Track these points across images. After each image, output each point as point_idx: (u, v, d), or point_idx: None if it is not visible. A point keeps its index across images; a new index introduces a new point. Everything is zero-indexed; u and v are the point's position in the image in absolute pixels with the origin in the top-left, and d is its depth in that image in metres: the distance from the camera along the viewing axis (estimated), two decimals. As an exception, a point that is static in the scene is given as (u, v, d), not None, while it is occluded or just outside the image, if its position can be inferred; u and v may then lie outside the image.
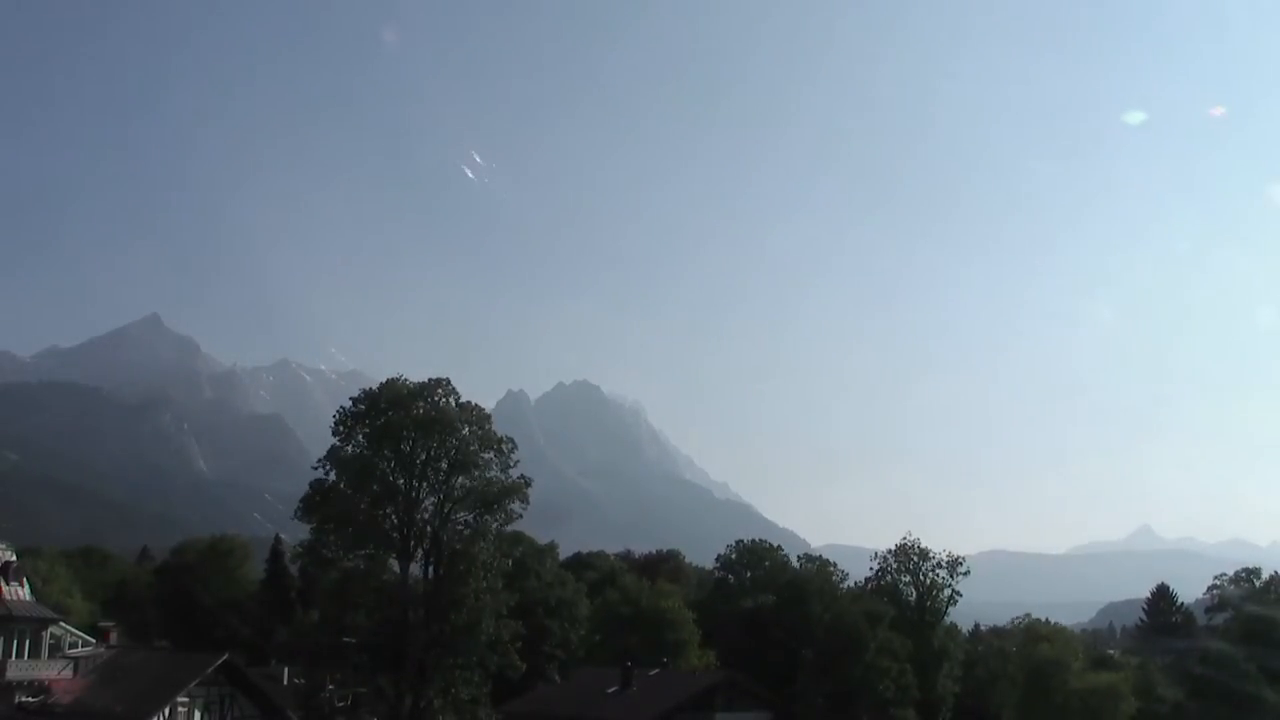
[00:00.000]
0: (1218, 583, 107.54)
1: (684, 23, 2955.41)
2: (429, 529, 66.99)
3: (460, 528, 67.67)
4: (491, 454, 67.93)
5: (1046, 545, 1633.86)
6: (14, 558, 62.56)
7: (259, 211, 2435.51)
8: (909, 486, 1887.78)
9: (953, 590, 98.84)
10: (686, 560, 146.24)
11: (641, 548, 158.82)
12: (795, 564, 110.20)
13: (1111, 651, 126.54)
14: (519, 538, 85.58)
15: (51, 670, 59.13)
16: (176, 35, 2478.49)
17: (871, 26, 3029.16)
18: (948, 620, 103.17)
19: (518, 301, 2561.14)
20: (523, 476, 69.08)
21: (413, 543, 66.81)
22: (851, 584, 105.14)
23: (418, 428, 66.59)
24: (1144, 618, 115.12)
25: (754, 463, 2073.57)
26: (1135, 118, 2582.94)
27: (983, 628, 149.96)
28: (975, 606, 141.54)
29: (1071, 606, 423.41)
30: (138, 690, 56.47)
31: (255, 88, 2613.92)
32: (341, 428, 68.19)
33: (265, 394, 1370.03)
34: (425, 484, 67.10)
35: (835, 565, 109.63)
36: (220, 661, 60.52)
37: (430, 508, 67.40)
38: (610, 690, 67.98)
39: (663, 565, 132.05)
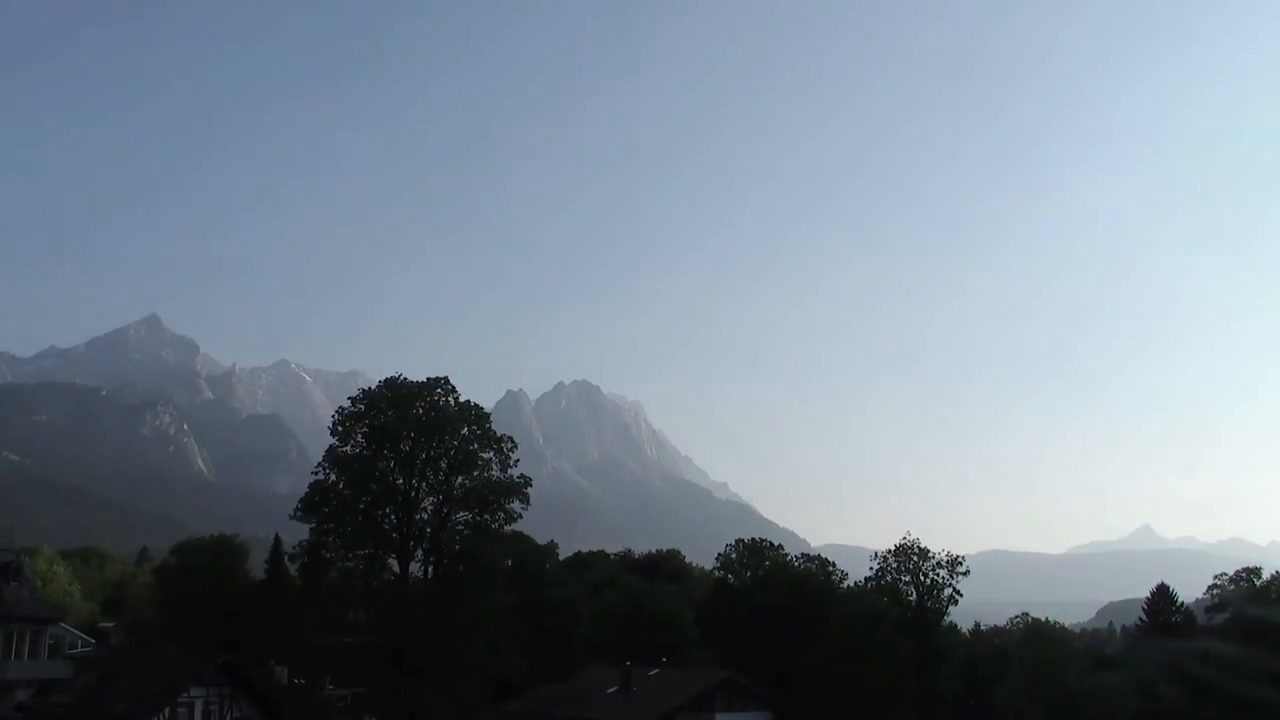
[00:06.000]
0: (1218, 583, 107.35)
1: (695, 21, 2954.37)
2: (428, 529, 66.89)
3: (460, 527, 67.55)
4: (491, 454, 67.78)
5: (1046, 545, 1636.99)
6: (14, 558, 62.54)
7: (258, 212, 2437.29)
8: (909, 486, 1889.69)
9: (953, 590, 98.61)
10: (686, 560, 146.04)
11: (641, 548, 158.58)
12: (795, 564, 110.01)
13: (1110, 651, 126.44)
14: (519, 538, 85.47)
15: (51, 670, 59.07)
16: (175, 35, 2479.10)
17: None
18: (948, 620, 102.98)
19: (518, 301, 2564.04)
20: (522, 476, 68.91)
21: (412, 543, 66.70)
22: (851, 584, 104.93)
23: (417, 428, 66.47)
24: (1144, 618, 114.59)
25: (754, 463, 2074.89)
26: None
27: (983, 628, 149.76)
28: (975, 606, 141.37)
29: (1071, 606, 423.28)
30: (138, 690, 56.32)
31: (255, 89, 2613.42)
32: (341, 428, 68.05)
33: (265, 394, 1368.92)
34: (425, 484, 66.96)
35: (835, 565, 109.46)
36: (220, 662, 60.42)
37: (430, 508, 67.27)
38: (610, 690, 67.83)
39: (663, 565, 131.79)
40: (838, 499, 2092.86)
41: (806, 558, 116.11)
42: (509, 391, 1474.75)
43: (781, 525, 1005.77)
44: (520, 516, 69.42)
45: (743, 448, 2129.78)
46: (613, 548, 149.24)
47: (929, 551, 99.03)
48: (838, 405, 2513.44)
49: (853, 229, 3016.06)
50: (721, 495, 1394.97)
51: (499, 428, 70.36)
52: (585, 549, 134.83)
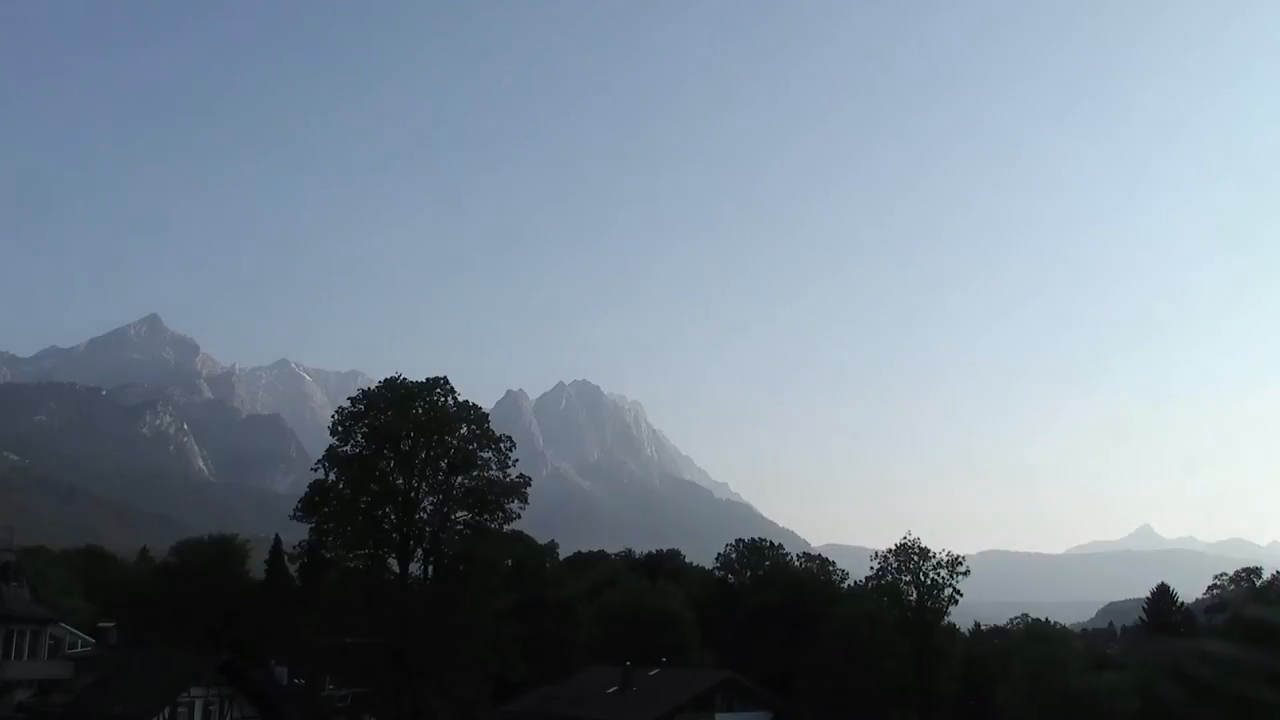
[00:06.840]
0: (1218, 583, 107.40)
1: (691, 14, 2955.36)
2: (428, 529, 66.87)
3: (459, 527, 67.54)
4: (490, 453, 67.69)
5: (1046, 545, 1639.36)
6: (14, 558, 62.48)
7: (259, 211, 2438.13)
8: (909, 486, 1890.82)
9: (953, 590, 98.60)
10: (686, 560, 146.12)
11: (641, 548, 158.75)
12: (795, 563, 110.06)
13: (1110, 651, 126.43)
14: (519, 538, 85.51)
15: (51, 670, 59.03)
16: (175, 35, 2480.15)
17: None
18: (948, 620, 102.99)
19: (518, 301, 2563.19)
20: (522, 476, 68.83)
21: (412, 543, 66.65)
22: (851, 584, 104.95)
23: (417, 428, 66.41)
24: (1144, 618, 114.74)
25: (754, 463, 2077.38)
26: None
27: (983, 628, 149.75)
28: (975, 606, 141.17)
29: (1071, 606, 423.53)
30: (138, 690, 56.31)
31: (255, 88, 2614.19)
32: (340, 428, 67.96)
33: (265, 394, 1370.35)
34: (424, 484, 66.89)
35: (835, 565, 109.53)
36: (220, 662, 60.43)
37: (429, 507, 67.21)
38: (610, 690, 67.89)
39: (663, 565, 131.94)
40: (838, 499, 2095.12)
41: (806, 558, 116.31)
42: (509, 391, 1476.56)
43: (781, 525, 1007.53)
44: (519, 516, 69.37)
45: (743, 447, 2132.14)
46: (613, 548, 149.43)
47: (929, 551, 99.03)
48: (838, 405, 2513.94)
49: (852, 225, 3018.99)
50: (721, 495, 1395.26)
51: (499, 428, 70.25)
52: (585, 549, 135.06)
